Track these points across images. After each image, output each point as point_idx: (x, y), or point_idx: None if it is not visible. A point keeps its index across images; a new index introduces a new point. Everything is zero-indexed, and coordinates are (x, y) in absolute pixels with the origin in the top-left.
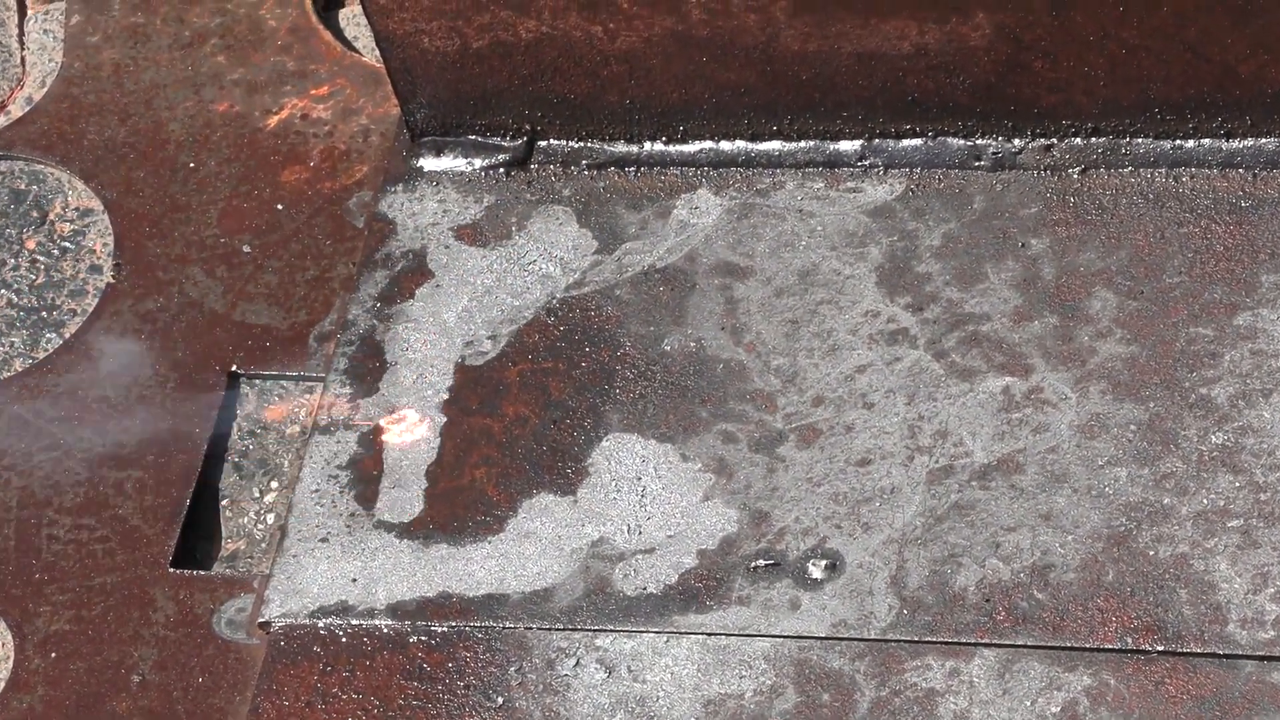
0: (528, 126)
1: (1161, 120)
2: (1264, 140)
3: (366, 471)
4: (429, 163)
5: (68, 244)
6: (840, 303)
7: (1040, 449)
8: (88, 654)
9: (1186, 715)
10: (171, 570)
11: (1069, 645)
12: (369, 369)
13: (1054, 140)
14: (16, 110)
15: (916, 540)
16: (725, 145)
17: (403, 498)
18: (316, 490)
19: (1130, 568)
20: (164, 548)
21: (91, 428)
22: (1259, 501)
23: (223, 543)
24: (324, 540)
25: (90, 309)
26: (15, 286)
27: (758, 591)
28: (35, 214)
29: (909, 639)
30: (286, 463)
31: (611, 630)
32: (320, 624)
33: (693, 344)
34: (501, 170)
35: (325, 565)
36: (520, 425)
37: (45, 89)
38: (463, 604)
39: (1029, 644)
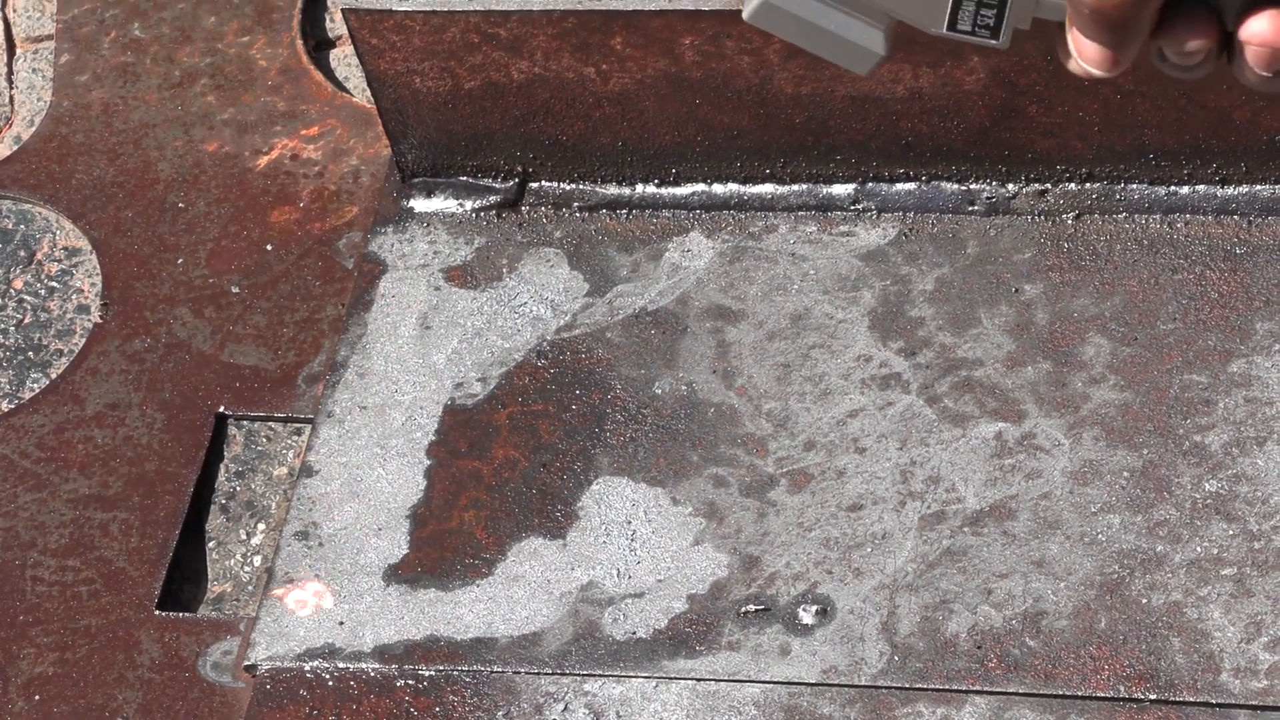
0: (519, 168)
1: (1156, 166)
2: (1259, 187)
3: (353, 514)
4: (420, 204)
5: (55, 284)
6: (832, 347)
7: (1033, 495)
8: (72, 697)
9: None
10: (157, 612)
11: (1061, 693)
12: (357, 411)
13: (1048, 185)
14: (4, 149)
15: (908, 586)
16: (718, 188)
17: (390, 540)
18: (303, 533)
19: (1123, 615)
20: (149, 590)
21: (77, 469)
22: (1252, 550)
23: (209, 585)
24: (311, 583)
25: (77, 349)
26: (2, 326)
27: (748, 637)
28: (23, 253)
29: (900, 685)
30: (274, 505)
31: (600, 675)
32: (306, 667)
33: (684, 387)
34: (493, 212)
35: (312, 608)
36: (510, 468)
37: (34, 128)
38: (450, 648)
39: (1021, 691)
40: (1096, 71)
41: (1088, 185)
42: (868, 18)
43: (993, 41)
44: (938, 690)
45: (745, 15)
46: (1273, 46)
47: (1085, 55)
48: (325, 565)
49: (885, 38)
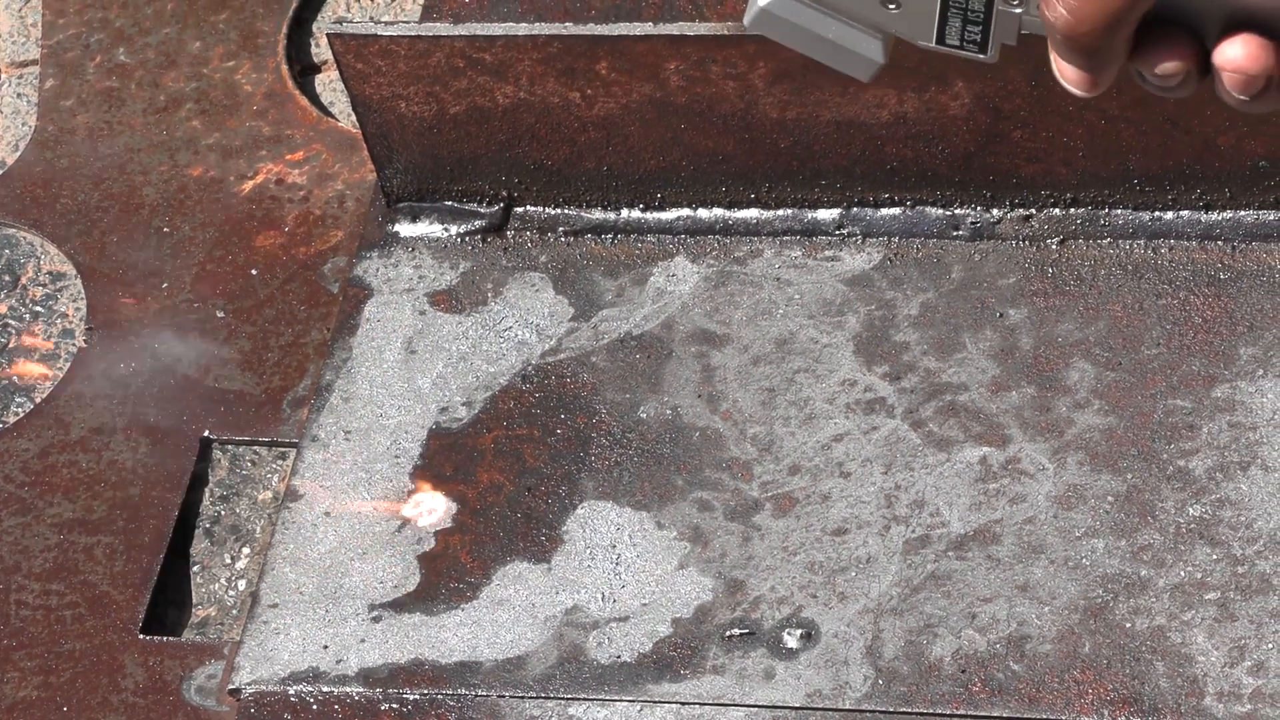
0: (504, 193)
1: (1140, 191)
2: (1242, 213)
3: (338, 538)
4: (405, 228)
5: (40, 308)
6: (817, 371)
7: (1017, 520)
8: None
9: None
10: (141, 636)
11: (1045, 717)
12: (342, 435)
13: (1033, 210)
14: None
15: (892, 610)
16: (703, 213)
17: (375, 564)
18: (288, 556)
19: (1107, 639)
20: (134, 614)
21: (62, 493)
22: (1236, 574)
23: (193, 609)
24: (296, 607)
25: (62, 374)
26: None
27: (732, 660)
28: (7, 278)
29: (884, 709)
30: (259, 529)
31: (585, 698)
32: (290, 691)
33: (669, 412)
34: (478, 236)
35: (297, 631)
36: (494, 492)
37: (18, 153)
38: (435, 671)
39: (1005, 715)
40: (1077, 91)
41: (1072, 210)
42: (866, 26)
43: (981, 56)
44: (922, 714)
45: (745, 22)
46: (1245, 72)
47: (1065, 76)
48: (310, 589)
49: (884, 46)
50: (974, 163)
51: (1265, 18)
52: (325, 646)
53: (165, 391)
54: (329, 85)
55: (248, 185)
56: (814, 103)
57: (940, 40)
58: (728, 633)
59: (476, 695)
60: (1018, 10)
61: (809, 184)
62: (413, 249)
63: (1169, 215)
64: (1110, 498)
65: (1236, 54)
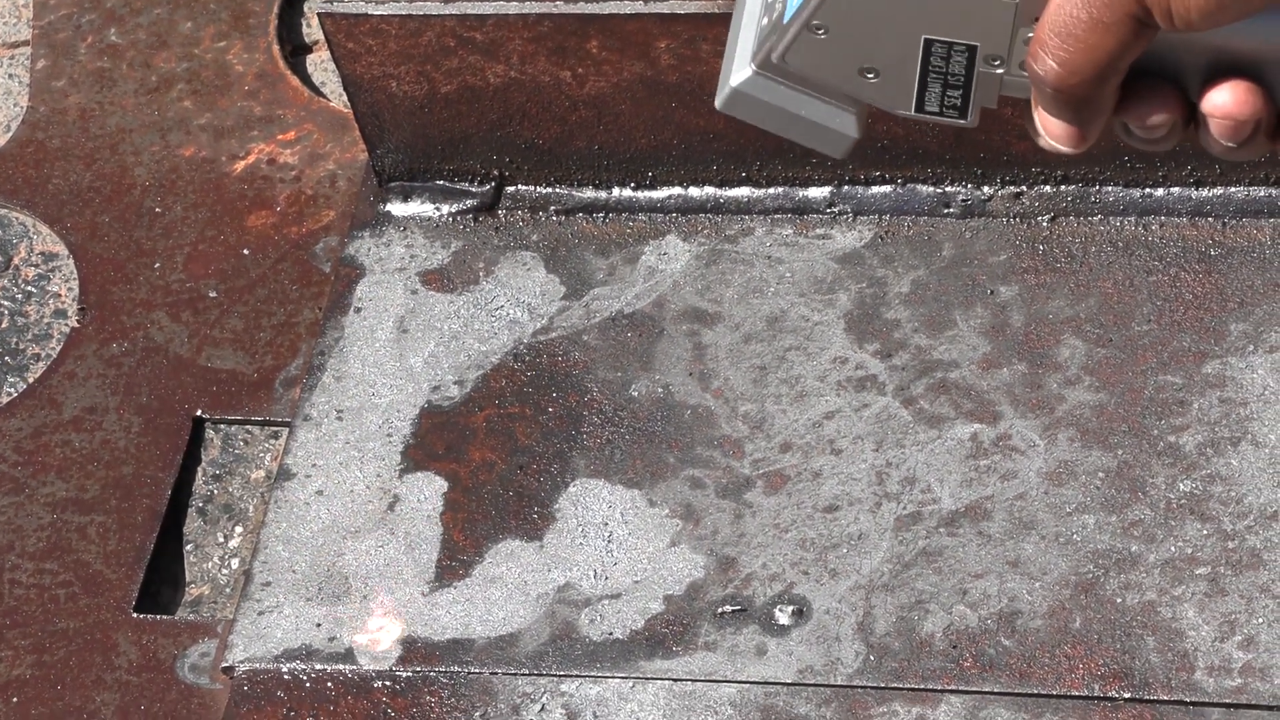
0: (496, 172)
1: (1131, 168)
2: (1233, 189)
3: (330, 516)
4: (396, 208)
5: (32, 288)
6: (808, 349)
7: (1008, 496)
8: (49, 699)
9: None
10: (134, 615)
11: (1036, 692)
12: (335, 414)
13: (1024, 188)
14: None
15: (884, 586)
16: (694, 191)
17: (368, 542)
18: (281, 535)
19: (1098, 615)
20: (127, 592)
21: (54, 472)
22: (1226, 549)
23: (186, 588)
24: (288, 585)
25: (54, 354)
26: None
27: (724, 637)
28: (0, 258)
29: (876, 685)
30: (251, 508)
31: (577, 676)
32: (284, 668)
33: (660, 390)
34: (469, 215)
35: (290, 610)
36: (486, 470)
37: (10, 134)
38: (427, 649)
39: (996, 691)
40: (1063, 149)
41: (1063, 188)
42: (839, 102)
43: (961, 121)
44: (913, 690)
45: (717, 104)
46: (1234, 118)
47: (1051, 133)
48: (302, 567)
49: (858, 120)
50: (965, 140)
51: (1248, 61)
52: (318, 624)
53: (158, 371)
54: (320, 65)
55: (239, 165)
56: None
57: (920, 108)
58: (719, 610)
59: (469, 672)
60: (999, 71)
61: (800, 162)
62: (404, 228)
63: (1159, 192)
64: (1101, 474)
65: (1224, 100)
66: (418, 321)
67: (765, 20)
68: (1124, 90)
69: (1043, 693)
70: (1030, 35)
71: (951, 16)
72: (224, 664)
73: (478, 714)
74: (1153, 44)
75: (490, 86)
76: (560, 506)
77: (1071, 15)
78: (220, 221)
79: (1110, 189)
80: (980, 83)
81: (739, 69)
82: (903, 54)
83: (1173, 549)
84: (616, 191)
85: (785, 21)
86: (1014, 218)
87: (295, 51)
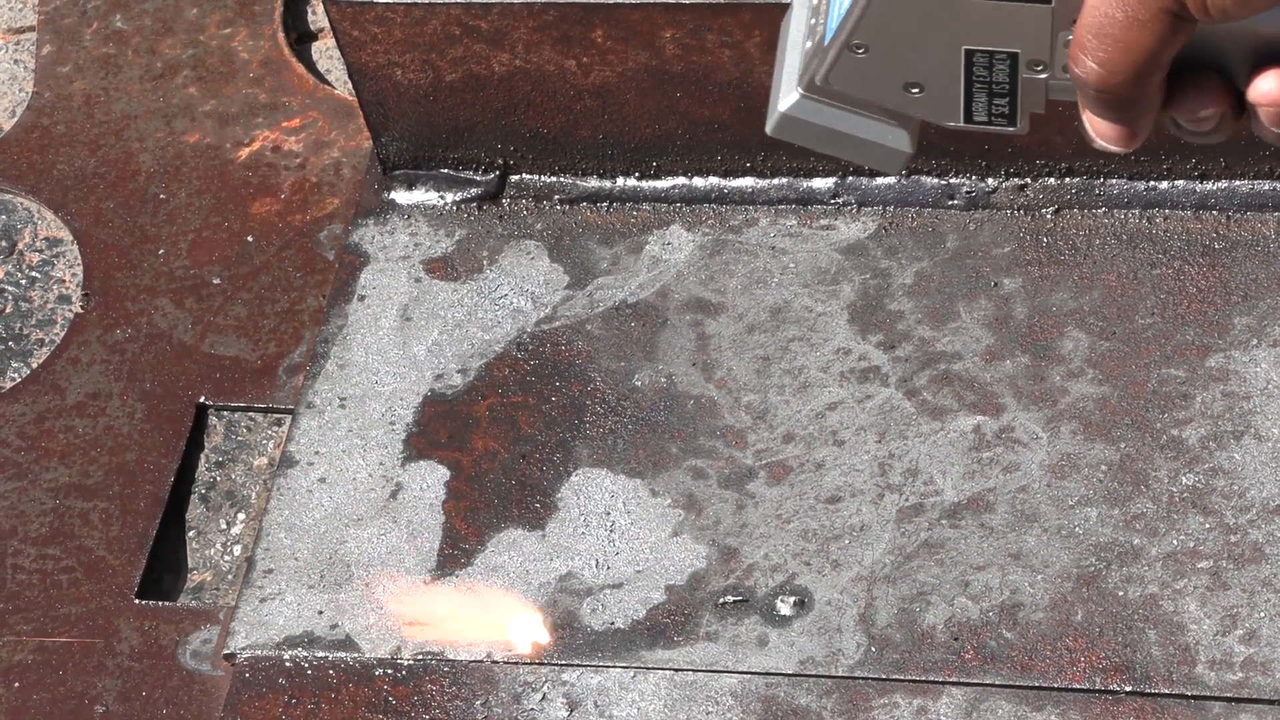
0: (500, 161)
1: (1135, 161)
2: (1237, 182)
3: (332, 504)
4: (401, 196)
5: (36, 274)
6: (812, 340)
7: (1010, 488)
8: (51, 685)
9: None
10: (137, 601)
11: (1037, 685)
12: (338, 401)
13: (1028, 180)
14: None
15: (885, 578)
16: (698, 181)
17: (370, 530)
18: (283, 522)
19: (1099, 608)
20: (129, 578)
21: (58, 458)
22: (1229, 543)
23: (189, 574)
24: (291, 572)
25: (58, 339)
26: None
27: (725, 628)
28: (4, 243)
29: (877, 677)
30: (254, 495)
31: (578, 665)
32: (285, 656)
33: (663, 380)
34: (473, 204)
35: (292, 597)
36: (489, 459)
37: (15, 119)
38: (429, 637)
39: (997, 683)
40: (1115, 149)
41: (1067, 180)
42: (889, 118)
43: (1011, 128)
44: (914, 681)
45: (768, 129)
46: None
47: (1101, 134)
48: (305, 555)
49: (911, 135)
50: (970, 132)
51: None
52: (320, 612)
53: (161, 357)
54: (325, 53)
55: (244, 152)
56: None
57: (968, 119)
58: (721, 600)
59: (470, 661)
60: (1043, 76)
61: (804, 152)
62: (408, 216)
63: (1164, 185)
64: (1104, 467)
65: (1271, 87)
66: (421, 310)
67: (808, 44)
68: (1170, 85)
69: (1044, 685)
70: (1070, 38)
71: (989, 26)
72: (226, 651)
73: (479, 702)
74: (1196, 35)
75: (495, 75)
76: (562, 496)
77: (1107, 15)
78: (224, 208)
79: (1115, 182)
80: (1025, 89)
81: (786, 93)
82: (945, 67)
83: (1175, 542)
84: (621, 181)
85: (825, 43)
86: (1018, 210)
87: (300, 39)
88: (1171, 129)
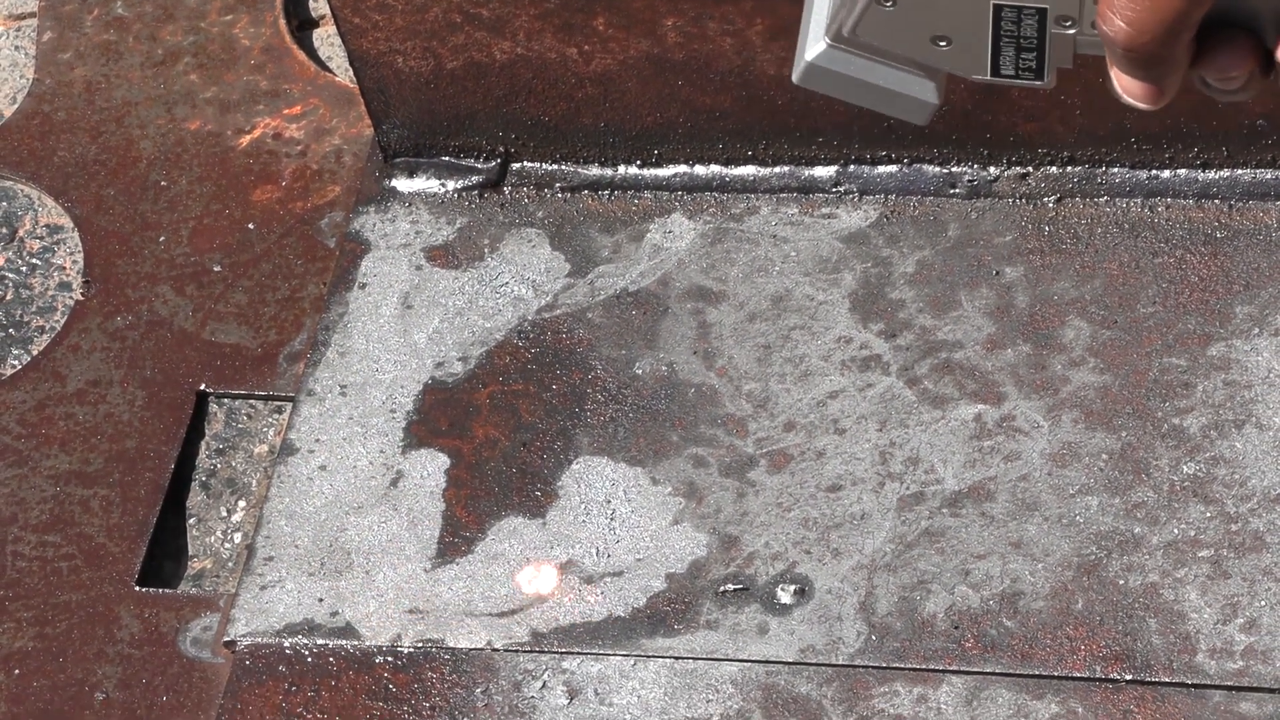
0: (501, 148)
1: (1138, 150)
2: (1240, 171)
3: (333, 491)
4: (402, 183)
5: (36, 261)
6: (813, 328)
7: (1011, 477)
8: (51, 671)
9: None
10: (137, 588)
11: (1038, 673)
12: (338, 389)
13: (1030, 169)
14: None
15: (886, 566)
16: (700, 169)
17: (370, 517)
18: (284, 509)
19: (1100, 596)
20: (130, 565)
21: (58, 445)
22: (1229, 532)
23: (189, 561)
24: (291, 560)
25: (59, 326)
26: None
27: (726, 616)
28: (4, 230)
29: (877, 665)
30: (254, 482)
31: (579, 653)
32: (286, 643)
33: (664, 368)
34: (475, 192)
35: (292, 584)
36: (490, 447)
37: (16, 105)
38: (429, 625)
39: (998, 671)
40: (1142, 106)
41: (1069, 169)
42: (916, 69)
43: (1038, 82)
44: (915, 670)
45: (794, 77)
46: None
47: (1129, 91)
48: (305, 542)
49: (938, 86)
50: (971, 120)
51: None
52: (320, 599)
53: (162, 344)
54: (326, 40)
55: (245, 139)
56: None
57: (995, 72)
58: (721, 588)
59: (471, 649)
60: (1071, 31)
61: (806, 141)
62: (410, 204)
63: (1166, 174)
64: (1105, 455)
65: None
66: (422, 297)
67: None
68: (1200, 43)
69: (1044, 674)
70: None
71: None
72: (226, 638)
73: (479, 690)
74: None
75: (496, 63)
76: (563, 484)
77: None
78: (225, 196)
79: (1117, 170)
80: (1054, 44)
81: (813, 43)
82: (973, 20)
83: (1176, 531)
84: (622, 169)
85: None
86: (1020, 198)
87: (302, 26)
88: (1200, 87)
